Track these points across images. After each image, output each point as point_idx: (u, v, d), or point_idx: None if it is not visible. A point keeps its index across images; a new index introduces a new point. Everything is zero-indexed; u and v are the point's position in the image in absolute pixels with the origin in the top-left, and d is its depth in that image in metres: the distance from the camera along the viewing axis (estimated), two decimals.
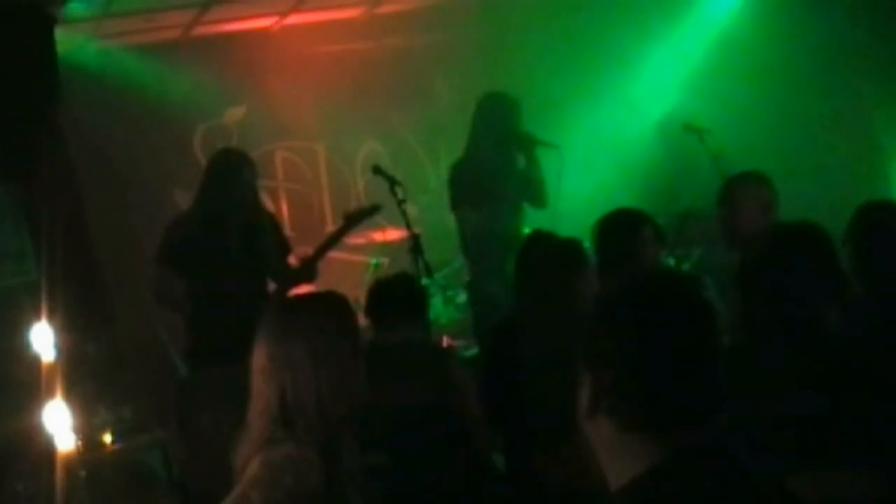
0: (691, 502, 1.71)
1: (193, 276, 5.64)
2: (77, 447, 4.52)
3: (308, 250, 6.08)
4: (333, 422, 2.71)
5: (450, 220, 6.54)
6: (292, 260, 6.07)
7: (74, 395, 4.46)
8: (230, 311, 5.43)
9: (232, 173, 5.65)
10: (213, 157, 5.94)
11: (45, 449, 3.88)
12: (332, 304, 2.87)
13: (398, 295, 4.52)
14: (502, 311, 5.87)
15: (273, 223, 6.10)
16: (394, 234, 7.65)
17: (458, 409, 4.26)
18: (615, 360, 1.76)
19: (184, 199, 7.12)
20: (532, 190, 6.31)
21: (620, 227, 4.57)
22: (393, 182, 6.12)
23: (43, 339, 4.15)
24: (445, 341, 6.33)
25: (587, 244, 4.48)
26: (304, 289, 5.75)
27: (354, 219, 6.06)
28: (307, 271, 5.92)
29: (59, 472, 3.71)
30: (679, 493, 1.71)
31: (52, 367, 3.93)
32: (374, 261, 7.84)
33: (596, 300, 1.94)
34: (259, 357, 2.74)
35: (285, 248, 6.01)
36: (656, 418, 1.74)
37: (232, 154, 5.97)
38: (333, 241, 6.04)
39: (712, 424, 1.76)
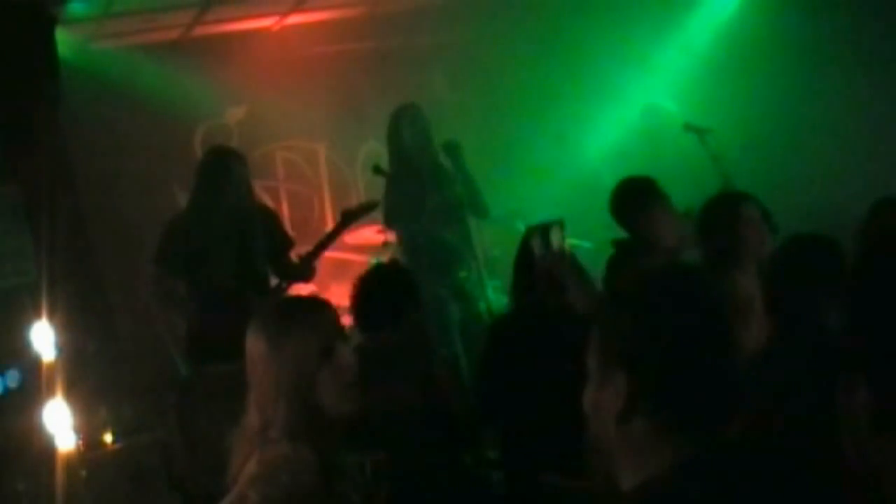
0: (713, 497, 1.71)
1: (190, 276, 5.66)
2: (77, 446, 4.52)
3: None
4: (335, 420, 2.71)
5: None
6: (294, 256, 6.08)
7: (75, 395, 4.47)
8: (227, 310, 5.45)
9: (222, 172, 5.66)
10: (203, 157, 5.96)
11: (46, 448, 3.88)
12: (328, 306, 2.87)
13: (383, 296, 4.42)
14: (450, 316, 5.88)
15: (273, 219, 6.09)
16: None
17: (442, 409, 4.23)
18: (654, 360, 1.73)
19: (184, 199, 7.04)
20: (469, 200, 6.29)
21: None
22: None
23: (43, 339, 4.16)
24: None
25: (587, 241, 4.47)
26: (303, 289, 5.75)
27: (352, 216, 6.07)
28: (305, 269, 5.92)
29: (60, 472, 3.71)
30: (700, 488, 1.71)
31: (52, 366, 3.94)
32: (374, 261, 7.82)
33: (615, 299, 1.92)
34: (255, 350, 2.73)
35: (286, 243, 5.99)
36: (695, 416, 1.73)
37: (221, 152, 5.96)
38: (331, 238, 6.05)
39: (737, 421, 1.76)
